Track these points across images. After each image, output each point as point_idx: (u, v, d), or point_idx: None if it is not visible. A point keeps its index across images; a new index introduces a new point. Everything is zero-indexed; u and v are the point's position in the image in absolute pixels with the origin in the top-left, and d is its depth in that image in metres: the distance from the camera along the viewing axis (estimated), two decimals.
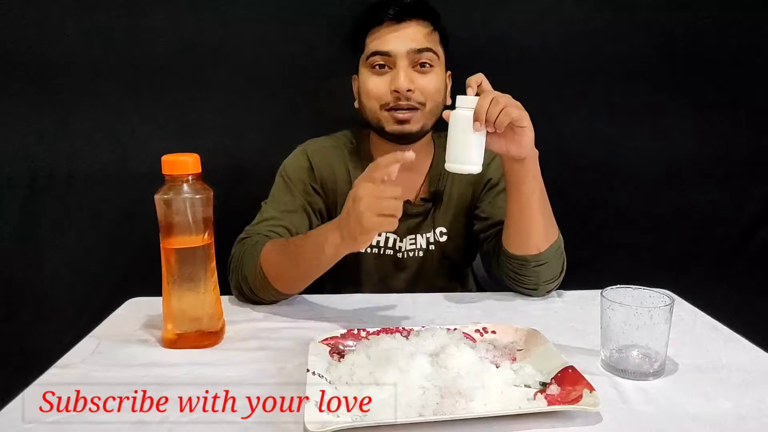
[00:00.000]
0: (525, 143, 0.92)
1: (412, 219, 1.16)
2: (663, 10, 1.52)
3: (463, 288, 1.28)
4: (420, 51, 1.04)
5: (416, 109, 1.06)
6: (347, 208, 0.84)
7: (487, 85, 0.93)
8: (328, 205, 1.16)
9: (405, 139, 1.09)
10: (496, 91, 0.90)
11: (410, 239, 1.17)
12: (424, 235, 1.17)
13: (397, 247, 1.16)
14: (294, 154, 1.17)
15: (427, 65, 1.06)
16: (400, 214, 0.81)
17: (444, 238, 1.18)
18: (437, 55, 1.08)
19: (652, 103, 1.59)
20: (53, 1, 1.42)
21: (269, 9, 1.47)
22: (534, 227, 1.00)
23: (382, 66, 1.06)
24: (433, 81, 1.07)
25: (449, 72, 1.14)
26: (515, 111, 0.88)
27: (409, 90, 1.04)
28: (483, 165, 1.00)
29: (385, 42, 1.05)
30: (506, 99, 0.89)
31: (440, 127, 1.19)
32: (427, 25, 1.07)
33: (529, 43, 1.52)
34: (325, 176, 1.15)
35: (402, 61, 1.04)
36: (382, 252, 1.16)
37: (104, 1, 1.43)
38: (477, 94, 0.91)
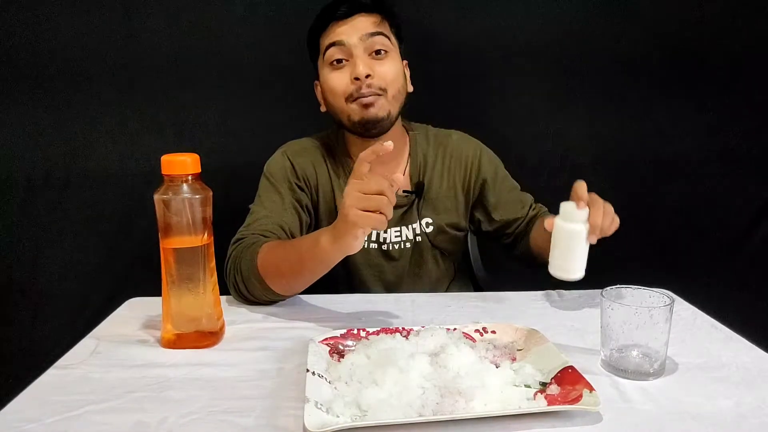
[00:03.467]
0: None
1: (395, 211, 1.16)
2: (663, 10, 1.52)
3: (459, 280, 1.29)
4: (372, 35, 1.06)
5: (379, 95, 1.07)
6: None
7: (594, 195, 0.91)
8: (312, 202, 1.18)
9: (374, 129, 1.09)
10: (601, 200, 0.91)
11: (395, 231, 1.18)
12: (410, 226, 1.18)
13: (381, 239, 1.17)
14: (274, 156, 1.19)
15: (383, 52, 1.07)
16: (388, 212, 0.79)
17: (430, 229, 1.19)
18: (390, 40, 1.09)
19: (652, 102, 1.59)
20: (50, 2, 1.42)
21: (266, 10, 1.47)
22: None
23: (339, 61, 1.07)
24: (391, 67, 1.08)
25: (406, 61, 1.15)
26: (617, 218, 0.91)
27: (368, 75, 1.05)
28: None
29: (337, 34, 1.07)
30: (610, 208, 0.91)
31: (410, 117, 1.21)
32: (377, 16, 1.08)
33: (528, 42, 1.52)
34: (307, 174, 1.17)
35: (357, 49, 1.06)
36: (367, 245, 1.17)
37: (102, 2, 1.43)
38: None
